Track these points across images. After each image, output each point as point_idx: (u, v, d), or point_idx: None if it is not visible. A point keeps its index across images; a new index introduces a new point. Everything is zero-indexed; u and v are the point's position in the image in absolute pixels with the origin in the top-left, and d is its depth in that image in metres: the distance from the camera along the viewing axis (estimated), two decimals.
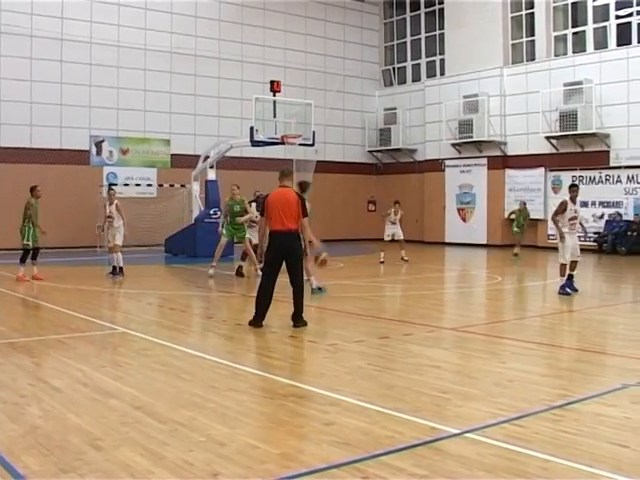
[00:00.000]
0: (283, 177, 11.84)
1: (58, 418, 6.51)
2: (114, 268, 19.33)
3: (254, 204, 20.14)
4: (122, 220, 19.63)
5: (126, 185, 29.86)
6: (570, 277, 15.74)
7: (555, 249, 27.56)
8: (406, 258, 22.79)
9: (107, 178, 30.47)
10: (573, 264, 15.77)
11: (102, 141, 30.82)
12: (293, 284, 11.49)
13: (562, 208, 15.66)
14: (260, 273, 14.37)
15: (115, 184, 29.15)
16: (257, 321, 11.36)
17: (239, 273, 19.52)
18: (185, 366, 8.76)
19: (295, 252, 11.48)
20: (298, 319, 11.45)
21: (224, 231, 19.49)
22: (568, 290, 15.50)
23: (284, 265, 11.46)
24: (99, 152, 30.82)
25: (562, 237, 15.49)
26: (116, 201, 19.82)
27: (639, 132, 28.14)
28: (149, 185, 31.38)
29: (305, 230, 11.73)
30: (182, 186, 30.39)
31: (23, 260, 18.23)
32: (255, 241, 18.39)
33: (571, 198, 15.81)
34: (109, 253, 19.96)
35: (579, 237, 16.65)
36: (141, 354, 9.44)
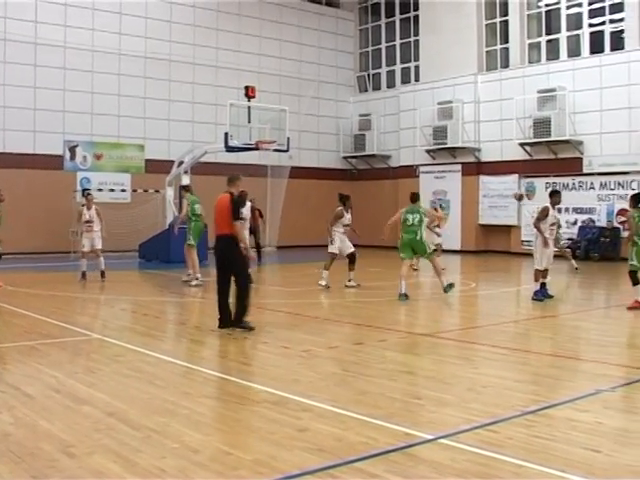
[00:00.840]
0: (228, 183, 12.28)
1: (30, 425, 6.46)
2: (84, 274, 19.39)
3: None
4: (101, 224, 19.74)
5: (100, 190, 29.67)
6: (543, 284, 15.83)
7: (529, 255, 27.67)
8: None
9: (81, 183, 30.30)
10: (545, 271, 15.87)
11: (76, 146, 30.65)
12: (236, 285, 11.74)
13: (544, 214, 15.75)
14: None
15: (89, 189, 29.03)
16: (222, 324, 11.69)
17: None
18: (158, 372, 8.73)
19: (231, 255, 11.71)
20: (236, 321, 11.61)
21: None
22: (542, 296, 15.57)
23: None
24: (73, 157, 30.64)
25: (546, 243, 15.59)
26: (95, 206, 19.88)
27: (612, 139, 28.34)
28: (123, 190, 31.24)
29: (239, 234, 11.88)
30: (156, 191, 30.26)
31: None
32: None
33: (552, 204, 15.92)
34: (81, 258, 19.86)
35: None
36: (114, 360, 9.39)
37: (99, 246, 19.85)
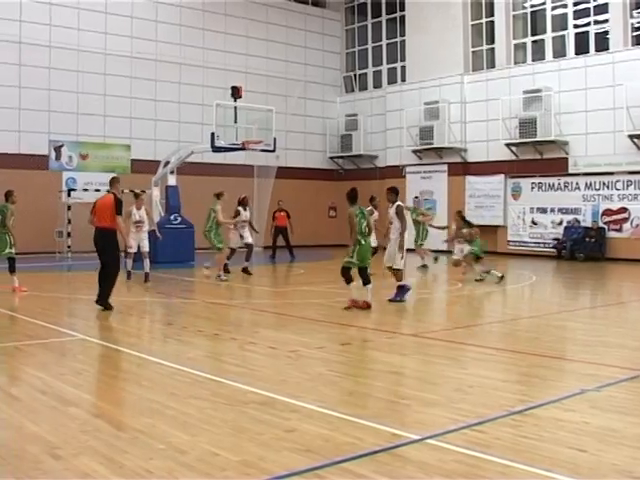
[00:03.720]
0: (110, 185, 15.14)
1: (16, 427, 6.44)
2: (129, 274, 19.51)
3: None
4: (147, 225, 20.26)
5: (85, 190, 29.56)
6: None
7: (515, 255, 27.77)
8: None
9: (66, 183, 30.22)
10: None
11: (61, 146, 30.57)
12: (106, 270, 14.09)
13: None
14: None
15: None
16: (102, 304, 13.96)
17: (246, 271, 21.24)
18: (145, 373, 8.71)
19: (104, 244, 14.05)
20: (102, 300, 13.83)
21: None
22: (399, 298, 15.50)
23: None
24: (58, 157, 30.55)
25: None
26: (144, 206, 20.31)
27: (597, 139, 28.47)
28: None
29: (119, 227, 14.36)
30: (142, 192, 30.14)
31: (14, 269, 17.18)
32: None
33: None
34: (127, 259, 19.48)
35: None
36: (100, 361, 9.38)
37: (146, 248, 19.97)
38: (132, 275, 19.55)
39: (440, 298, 17.66)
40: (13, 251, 17.26)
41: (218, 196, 20.48)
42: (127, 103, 31.87)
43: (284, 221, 29.14)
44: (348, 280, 14.43)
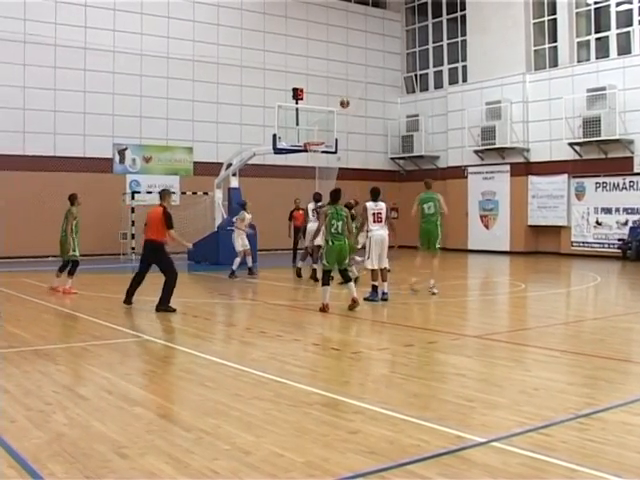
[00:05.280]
0: (160, 197, 14.93)
1: (83, 426, 6.53)
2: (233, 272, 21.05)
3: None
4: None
5: (149, 193, 29.96)
6: (375, 286, 15.58)
7: (579, 256, 27.33)
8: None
9: (130, 186, 30.60)
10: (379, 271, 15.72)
11: (125, 149, 30.97)
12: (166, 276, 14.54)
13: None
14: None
15: (136, 192, 29.43)
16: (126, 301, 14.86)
17: (299, 274, 21.21)
18: (209, 374, 8.77)
19: (154, 256, 14.56)
20: (163, 305, 14.17)
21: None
22: (374, 297, 15.36)
23: None
24: (122, 160, 30.95)
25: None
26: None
27: None
28: (172, 193, 31.39)
29: (173, 240, 14.70)
30: (205, 194, 30.45)
31: (72, 273, 17.55)
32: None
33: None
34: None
35: None
36: (165, 362, 9.47)
37: (249, 246, 21.87)
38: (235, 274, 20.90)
39: (503, 299, 17.50)
40: (77, 254, 17.53)
41: (72, 200, 18.16)
42: (189, 106, 32.16)
43: (302, 220, 28.62)
44: (323, 283, 14.27)
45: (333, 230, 14.28)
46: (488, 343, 11.00)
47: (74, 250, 17.49)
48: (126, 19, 30.49)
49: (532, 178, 32.71)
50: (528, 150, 32.83)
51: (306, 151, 25.64)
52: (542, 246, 32.56)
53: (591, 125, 29.43)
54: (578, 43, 32.00)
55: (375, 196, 16.08)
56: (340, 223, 14.31)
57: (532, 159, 32.79)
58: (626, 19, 30.22)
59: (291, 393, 7.79)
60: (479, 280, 22.69)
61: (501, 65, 33.17)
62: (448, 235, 35.05)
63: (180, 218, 29.83)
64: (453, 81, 37.09)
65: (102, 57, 29.86)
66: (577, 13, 31.92)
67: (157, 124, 31.42)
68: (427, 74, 38.86)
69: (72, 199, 17.91)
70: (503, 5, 33.28)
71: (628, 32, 30.03)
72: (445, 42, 37.79)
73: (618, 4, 30.46)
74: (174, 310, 14.03)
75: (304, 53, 35.57)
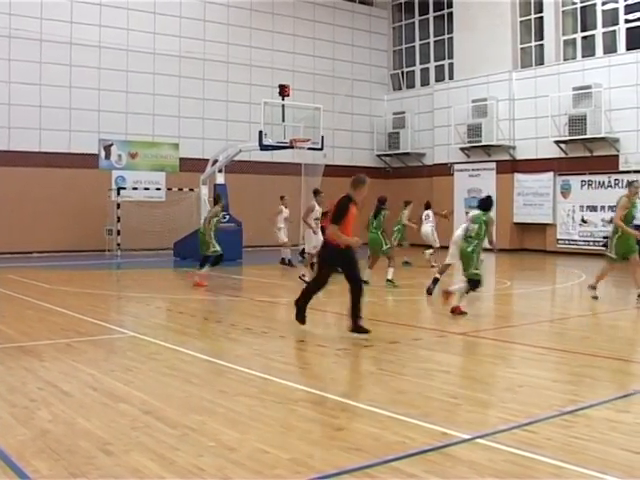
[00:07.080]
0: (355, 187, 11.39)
1: (68, 422, 6.50)
2: (284, 259, 23.84)
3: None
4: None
5: (135, 189, 29.90)
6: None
7: (564, 253, 27.45)
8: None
9: (116, 182, 30.50)
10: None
11: (111, 145, 30.87)
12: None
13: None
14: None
15: (122, 188, 29.33)
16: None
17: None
18: (195, 370, 8.76)
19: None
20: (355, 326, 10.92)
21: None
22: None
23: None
24: (108, 156, 30.85)
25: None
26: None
27: None
28: (158, 189, 31.35)
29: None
30: (191, 190, 30.38)
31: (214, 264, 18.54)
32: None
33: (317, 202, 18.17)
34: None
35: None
36: (150, 358, 9.43)
37: (287, 239, 24.14)
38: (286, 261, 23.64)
39: (487, 297, 17.53)
40: (218, 249, 18.32)
41: (216, 200, 18.99)
42: (175, 102, 32.09)
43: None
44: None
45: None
46: (473, 340, 11.02)
47: (214, 246, 18.22)
48: (112, 14, 30.38)
49: (518, 176, 32.79)
50: (514, 148, 32.91)
51: (292, 148, 25.61)
52: (528, 244, 32.66)
53: (577, 123, 29.52)
54: (564, 41, 32.07)
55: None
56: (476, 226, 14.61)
57: (518, 157, 32.87)
58: (612, 18, 30.32)
59: (276, 390, 7.78)
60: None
61: (487, 63, 33.21)
62: None
63: (166, 214, 29.85)
64: (439, 78, 37.13)
65: (88, 52, 29.75)
66: (563, 12, 31.99)
67: (143, 120, 31.32)
68: (413, 71, 38.88)
69: (217, 199, 19.04)
70: (490, 3, 33.33)
71: (614, 31, 30.12)
72: (432, 39, 37.81)
73: (604, 3, 30.55)
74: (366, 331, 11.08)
75: (291, 50, 35.53)
